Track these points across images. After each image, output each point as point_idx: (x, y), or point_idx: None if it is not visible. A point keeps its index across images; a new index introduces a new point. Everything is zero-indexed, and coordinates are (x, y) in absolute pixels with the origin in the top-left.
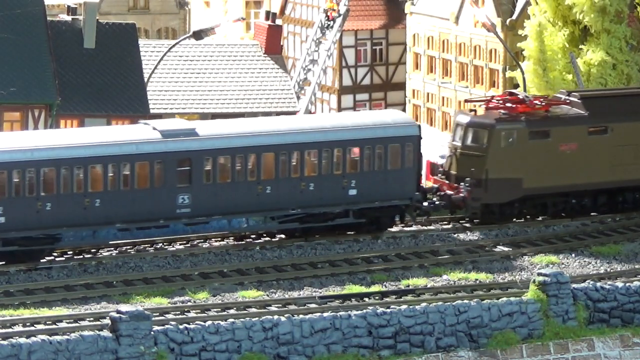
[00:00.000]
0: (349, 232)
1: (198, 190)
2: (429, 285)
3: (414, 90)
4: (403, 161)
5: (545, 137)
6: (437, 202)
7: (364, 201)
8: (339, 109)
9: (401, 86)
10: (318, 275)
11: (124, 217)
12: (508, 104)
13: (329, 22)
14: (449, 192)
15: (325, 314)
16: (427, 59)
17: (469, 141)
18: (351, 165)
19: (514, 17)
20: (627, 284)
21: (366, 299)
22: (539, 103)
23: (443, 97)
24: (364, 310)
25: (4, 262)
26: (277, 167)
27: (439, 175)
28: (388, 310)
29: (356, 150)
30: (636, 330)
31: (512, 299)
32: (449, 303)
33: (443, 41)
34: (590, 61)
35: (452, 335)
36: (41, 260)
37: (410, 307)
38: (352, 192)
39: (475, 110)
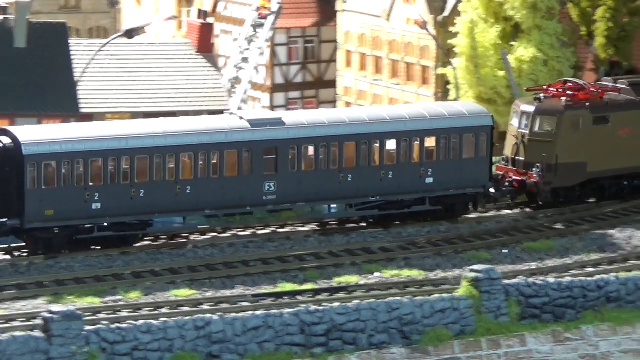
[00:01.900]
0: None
1: (283, 177)
2: (361, 283)
3: (345, 88)
4: (477, 150)
5: (605, 123)
6: (504, 189)
7: (440, 189)
8: (271, 107)
9: (333, 84)
10: (250, 273)
11: (212, 204)
12: (569, 92)
13: (261, 20)
14: (517, 178)
15: (257, 312)
16: (358, 57)
17: (537, 128)
18: (428, 155)
19: (446, 14)
20: (559, 280)
21: (299, 297)
22: (596, 90)
23: (374, 95)
24: (297, 308)
25: (99, 247)
26: (358, 156)
27: (502, 162)
28: (320, 308)
29: (433, 139)
30: (568, 325)
31: (444, 295)
32: (381, 300)
33: (374, 38)
34: (521, 58)
35: (384, 332)
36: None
37: (343, 304)
38: (429, 180)
39: (539, 98)
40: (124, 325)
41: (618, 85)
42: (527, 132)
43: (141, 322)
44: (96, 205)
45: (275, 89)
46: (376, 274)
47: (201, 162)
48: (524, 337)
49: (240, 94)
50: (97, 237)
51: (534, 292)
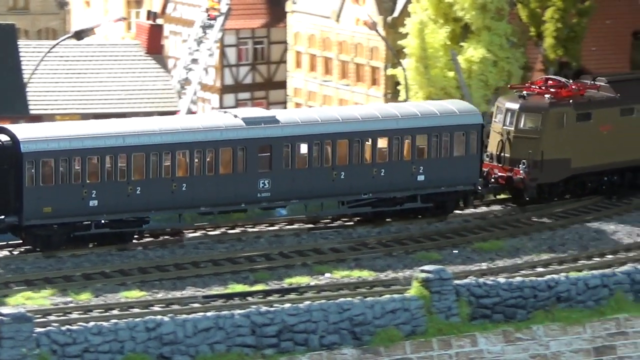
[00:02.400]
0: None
1: (278, 175)
2: (312, 284)
3: (295, 89)
4: (467, 148)
5: (588, 119)
6: (491, 186)
7: (431, 186)
8: (221, 108)
9: (283, 85)
10: (201, 274)
11: (208, 201)
12: (552, 89)
13: (210, 22)
14: (503, 174)
15: (208, 314)
16: (308, 58)
17: (522, 125)
18: (419, 152)
19: (395, 14)
20: (510, 280)
21: (249, 298)
22: (577, 88)
23: (324, 95)
24: (248, 309)
25: (95, 244)
26: (350, 153)
27: (487, 159)
28: (271, 309)
29: (425, 137)
30: (518, 325)
31: (395, 296)
32: (332, 301)
33: (324, 39)
34: (471, 58)
35: (335, 333)
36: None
37: (294, 305)
38: (420, 177)
39: (523, 96)
40: (74, 327)
41: (597, 83)
42: (513, 129)
43: (92, 323)
44: (93, 203)
45: (224, 90)
46: (327, 275)
47: (197, 160)
48: (474, 337)
49: (189, 95)
50: (94, 234)
51: (485, 292)
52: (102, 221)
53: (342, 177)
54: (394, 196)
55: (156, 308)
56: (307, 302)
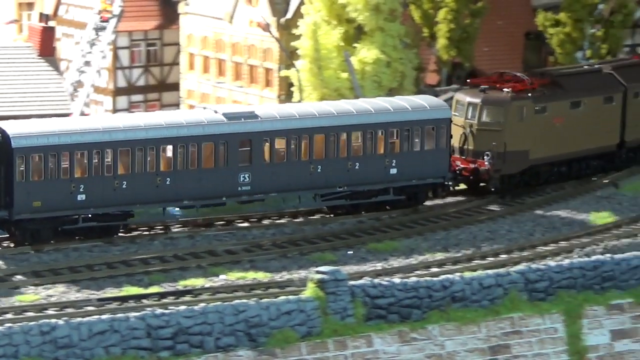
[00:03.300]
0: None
1: (257, 169)
2: (207, 286)
3: (188, 91)
4: (437, 142)
5: (544, 112)
6: (458, 178)
7: (403, 179)
8: (114, 110)
9: (176, 87)
10: (95, 277)
11: (190, 195)
12: (511, 83)
13: (103, 24)
14: (466, 166)
15: (103, 317)
16: (201, 59)
17: (484, 118)
18: (392, 147)
19: (289, 16)
20: (405, 280)
21: (144, 301)
22: (531, 82)
23: (218, 97)
24: (143, 312)
25: (81, 238)
26: (326, 148)
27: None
28: (167, 311)
29: (397, 132)
30: (414, 325)
31: (290, 297)
32: (227, 303)
33: (217, 41)
34: (364, 59)
35: (231, 334)
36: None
37: (189, 307)
38: (393, 171)
39: (483, 90)
40: None
41: (545, 78)
42: (475, 122)
43: None
44: (81, 197)
45: (117, 92)
46: (222, 277)
47: (180, 155)
48: (370, 338)
49: (82, 97)
50: (82, 227)
51: (380, 292)
52: (90, 215)
53: (319, 170)
54: (369, 189)
55: (50, 311)
56: (203, 304)
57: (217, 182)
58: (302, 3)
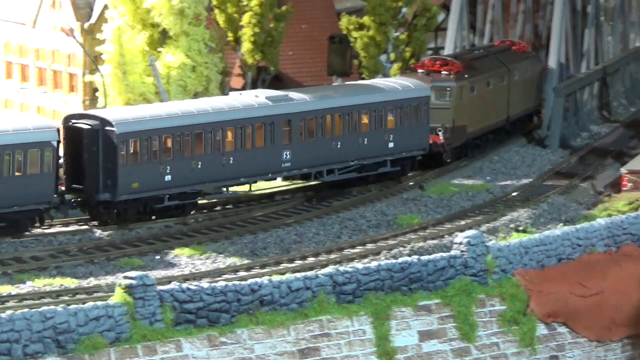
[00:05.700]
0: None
1: (296, 146)
2: (13, 293)
3: None
4: (421, 118)
5: (474, 91)
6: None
7: (397, 152)
8: None
9: None
10: None
11: (247, 173)
12: (448, 65)
13: None
14: None
15: None
16: (4, 65)
17: (434, 98)
18: (389, 123)
19: (93, 21)
20: (213, 284)
21: None
22: (460, 65)
23: (22, 103)
24: None
25: (156, 217)
26: (343, 126)
27: None
28: None
29: (393, 110)
30: (223, 329)
31: (98, 303)
32: (34, 309)
33: (20, 46)
34: (170, 64)
35: (39, 341)
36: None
37: None
38: (390, 145)
39: (429, 73)
40: None
41: (458, 61)
42: None
43: None
44: (168, 177)
45: None
46: (28, 283)
47: (239, 135)
48: (179, 343)
49: None
50: (166, 206)
51: (188, 297)
52: (173, 194)
53: (339, 146)
54: (374, 162)
55: None
56: (9, 312)
57: (268, 159)
58: (106, 8)
